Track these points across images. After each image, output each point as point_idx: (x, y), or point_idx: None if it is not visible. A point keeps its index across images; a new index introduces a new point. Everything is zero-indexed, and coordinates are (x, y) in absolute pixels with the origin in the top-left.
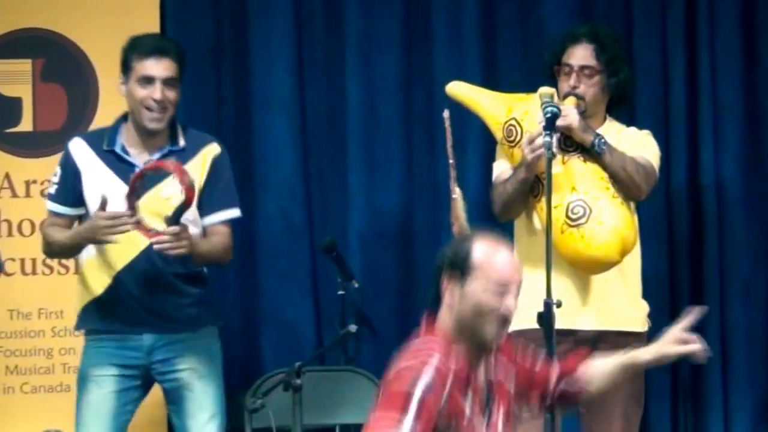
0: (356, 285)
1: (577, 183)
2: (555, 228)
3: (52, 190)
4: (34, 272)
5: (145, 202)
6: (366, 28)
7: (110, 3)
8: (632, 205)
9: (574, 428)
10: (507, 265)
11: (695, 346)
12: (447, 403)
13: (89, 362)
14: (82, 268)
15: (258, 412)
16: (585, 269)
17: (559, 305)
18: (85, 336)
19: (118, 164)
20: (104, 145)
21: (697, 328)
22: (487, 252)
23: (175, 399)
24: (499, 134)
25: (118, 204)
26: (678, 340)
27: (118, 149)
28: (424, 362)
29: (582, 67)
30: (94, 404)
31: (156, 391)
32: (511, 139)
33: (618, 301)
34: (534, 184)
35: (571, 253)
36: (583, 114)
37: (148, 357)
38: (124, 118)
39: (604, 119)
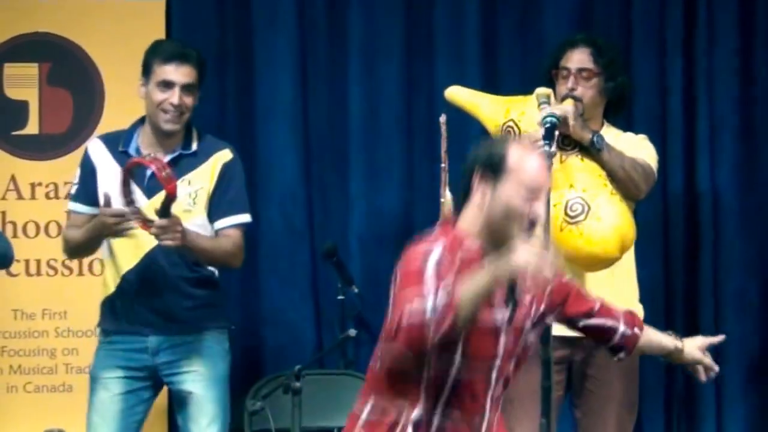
0: (356, 290)
1: (576, 180)
2: (554, 225)
3: (73, 190)
4: (38, 273)
5: (154, 204)
6: (368, 37)
7: (117, 9)
8: (632, 205)
9: None
10: (538, 171)
11: (710, 361)
12: (460, 273)
13: (98, 364)
14: (103, 268)
15: (258, 415)
16: (584, 266)
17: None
18: (98, 336)
19: (136, 168)
20: (120, 147)
21: (691, 334)
22: (521, 157)
23: (179, 401)
24: (497, 136)
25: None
26: (703, 349)
27: (132, 151)
28: (432, 244)
29: (579, 70)
30: (101, 406)
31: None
32: None
33: None
34: None
35: (571, 251)
36: (581, 117)
37: (154, 358)
38: (141, 121)
39: (602, 124)
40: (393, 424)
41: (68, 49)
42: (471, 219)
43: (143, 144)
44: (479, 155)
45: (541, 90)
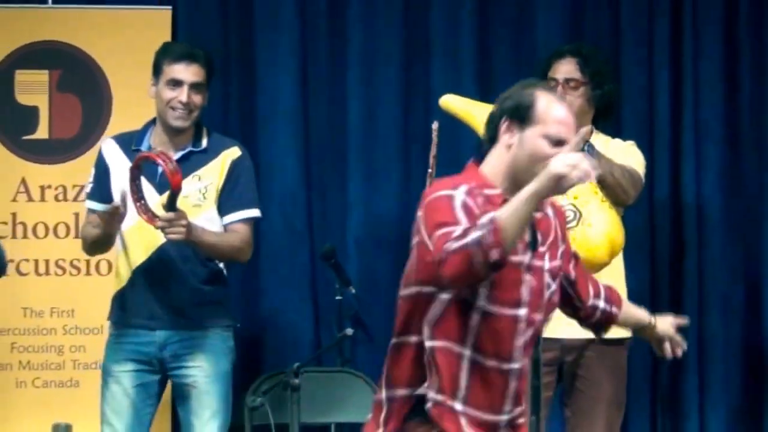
0: (353, 291)
1: None
2: None
3: (89, 189)
4: (47, 273)
5: (164, 200)
6: (367, 45)
7: (124, 18)
8: (620, 211)
9: (558, 431)
10: (565, 120)
11: (679, 348)
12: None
13: (110, 358)
14: (115, 263)
15: (257, 410)
16: None
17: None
18: (109, 329)
19: (144, 164)
20: (132, 146)
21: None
22: (549, 105)
23: (181, 394)
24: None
25: (149, 201)
26: (674, 328)
27: (144, 149)
28: (455, 184)
29: (567, 80)
30: (114, 400)
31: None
32: None
33: None
34: None
35: None
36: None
37: (162, 352)
38: (153, 121)
39: (591, 131)
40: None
41: (77, 56)
42: (495, 163)
43: (155, 143)
44: (507, 101)
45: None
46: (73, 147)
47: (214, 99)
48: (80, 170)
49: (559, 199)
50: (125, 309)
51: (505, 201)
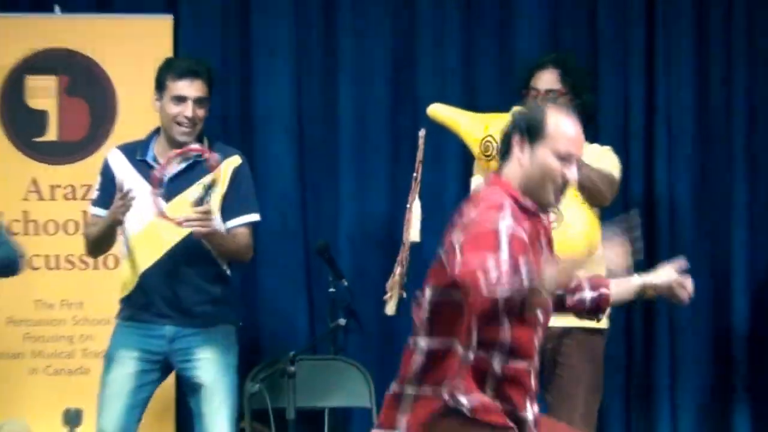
0: (345, 283)
1: None
2: None
3: (94, 196)
4: (57, 267)
5: (172, 207)
6: (358, 56)
7: (129, 27)
8: (597, 211)
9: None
10: (573, 137)
11: (686, 293)
12: (525, 236)
13: (117, 343)
14: (124, 265)
15: (256, 396)
16: None
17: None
18: (117, 321)
19: (149, 173)
20: (137, 156)
21: (648, 329)
22: (558, 123)
23: (191, 385)
24: (476, 150)
25: (149, 208)
26: (677, 282)
27: (149, 159)
28: (501, 203)
29: (548, 90)
30: (114, 383)
31: (165, 384)
32: (488, 153)
33: None
34: None
35: None
36: None
37: (170, 345)
38: (156, 131)
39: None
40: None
41: (84, 63)
42: (513, 175)
43: (159, 153)
44: (520, 119)
45: (518, 108)
46: (81, 148)
47: (214, 104)
48: (88, 170)
49: None
50: (134, 308)
51: (535, 213)
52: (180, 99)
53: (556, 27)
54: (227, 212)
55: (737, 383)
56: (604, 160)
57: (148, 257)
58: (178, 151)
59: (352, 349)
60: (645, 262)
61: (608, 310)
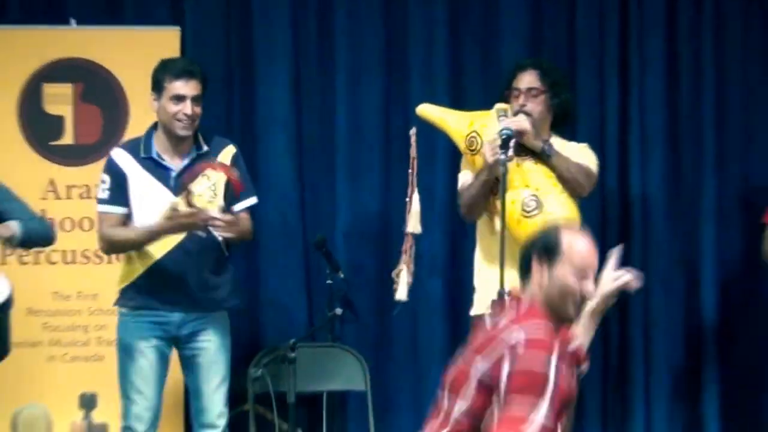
0: (342, 276)
1: (530, 181)
2: (512, 219)
3: (105, 195)
4: (73, 261)
5: (180, 200)
6: (352, 60)
7: (138, 37)
8: (576, 203)
9: None
10: (588, 253)
11: (627, 276)
12: (569, 377)
13: (132, 334)
14: (126, 255)
15: (259, 381)
16: None
17: (509, 294)
18: (122, 311)
19: (156, 169)
20: (142, 153)
21: (623, 322)
22: (572, 241)
23: (192, 365)
24: (462, 145)
25: (160, 202)
26: (612, 279)
27: (154, 156)
28: (550, 347)
29: (529, 89)
30: (143, 371)
31: (174, 380)
32: (473, 148)
33: None
34: (493, 185)
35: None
36: (532, 127)
37: (178, 330)
38: (153, 127)
39: (549, 136)
40: None
41: (98, 71)
42: (535, 296)
43: (160, 149)
44: (536, 241)
45: (500, 105)
46: (95, 151)
47: (219, 108)
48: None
49: (522, 189)
50: (142, 294)
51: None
52: (179, 98)
53: (536, 33)
54: (231, 198)
55: (707, 373)
56: (583, 155)
57: (160, 248)
58: (201, 167)
59: (348, 336)
60: (620, 256)
61: None
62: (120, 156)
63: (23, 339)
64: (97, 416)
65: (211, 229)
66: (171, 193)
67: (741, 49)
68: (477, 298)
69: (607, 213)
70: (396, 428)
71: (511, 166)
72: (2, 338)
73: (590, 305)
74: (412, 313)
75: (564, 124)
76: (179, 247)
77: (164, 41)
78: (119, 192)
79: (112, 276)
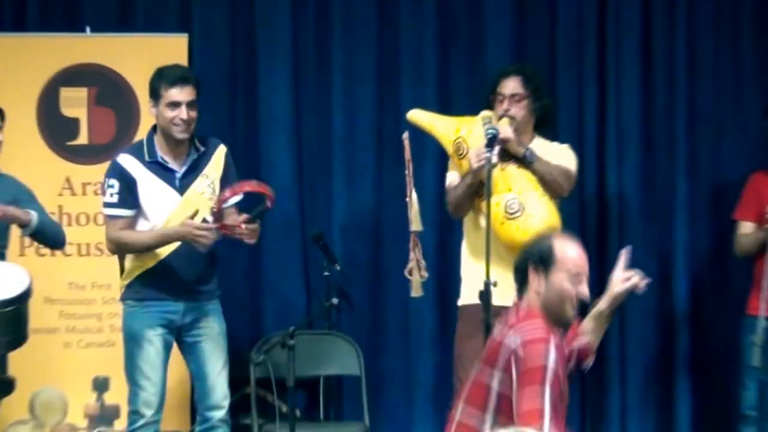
0: (338, 268)
1: (513, 184)
2: (495, 221)
3: (114, 199)
4: (88, 254)
5: (186, 198)
6: (348, 67)
7: (150, 44)
8: (557, 203)
9: None
10: (580, 259)
11: (636, 278)
12: (563, 370)
13: (142, 323)
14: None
15: (260, 365)
16: None
17: (495, 285)
18: (129, 303)
19: (162, 172)
20: (147, 157)
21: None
22: (564, 249)
23: (196, 350)
24: (450, 149)
25: (168, 202)
26: (622, 280)
27: (159, 159)
28: (546, 338)
29: (512, 95)
30: (150, 358)
31: (180, 374)
32: (460, 152)
33: None
34: (478, 187)
35: (510, 241)
36: (515, 131)
37: (182, 319)
38: (152, 131)
39: (533, 137)
40: None
41: (111, 76)
42: (533, 303)
43: (162, 152)
44: (530, 251)
45: (485, 113)
46: (109, 150)
47: (224, 109)
48: None
49: (506, 193)
50: (148, 288)
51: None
52: (175, 104)
53: (520, 41)
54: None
55: (679, 357)
56: (563, 156)
57: (167, 247)
58: (238, 189)
59: (344, 324)
60: (597, 251)
61: None
62: (127, 161)
63: (41, 326)
64: (109, 398)
65: (236, 236)
66: (177, 194)
67: (712, 56)
68: (464, 289)
69: (585, 210)
70: (388, 410)
71: (496, 171)
72: (22, 326)
73: (600, 306)
74: (404, 303)
75: (545, 126)
76: (184, 245)
77: (173, 47)
78: (128, 196)
79: None
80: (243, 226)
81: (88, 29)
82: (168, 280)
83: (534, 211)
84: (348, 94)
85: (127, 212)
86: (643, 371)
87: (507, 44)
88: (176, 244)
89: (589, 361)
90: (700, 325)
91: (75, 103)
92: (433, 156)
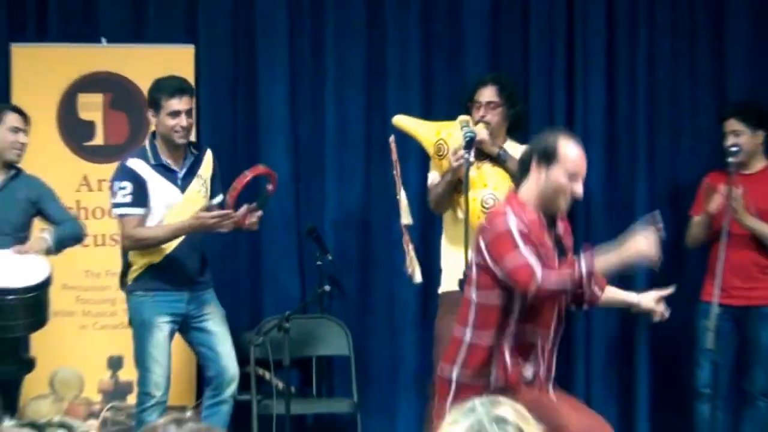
0: (330, 258)
1: (488, 181)
2: (473, 214)
3: (128, 199)
4: (103, 244)
5: (187, 197)
6: (340, 75)
7: (160, 54)
8: None
9: None
10: (580, 159)
11: (663, 309)
12: (531, 233)
13: (152, 311)
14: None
15: (259, 347)
16: None
17: None
18: (138, 293)
19: (166, 173)
20: (152, 161)
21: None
22: (567, 148)
23: (206, 334)
24: (431, 151)
25: (172, 201)
26: (655, 300)
27: (163, 162)
28: (504, 211)
29: (488, 102)
30: (158, 345)
31: (187, 355)
32: (440, 153)
33: None
34: (457, 184)
35: None
36: (490, 135)
37: (187, 307)
38: (152, 137)
39: (506, 140)
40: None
41: (125, 83)
42: (528, 192)
43: (164, 156)
44: (536, 145)
45: (463, 117)
46: (123, 150)
47: (226, 114)
48: None
49: (482, 189)
50: (156, 280)
51: (538, 217)
52: (175, 113)
53: (496, 52)
54: (215, 192)
55: (638, 340)
56: None
57: (172, 242)
58: (251, 174)
59: (335, 309)
60: None
61: None
62: (137, 164)
63: (59, 310)
64: (123, 375)
65: (245, 227)
66: (180, 193)
67: (670, 65)
68: (444, 277)
69: None
70: (375, 387)
71: (473, 169)
72: (44, 309)
73: (636, 304)
74: (389, 290)
75: (518, 129)
76: (186, 241)
77: (181, 57)
78: (140, 196)
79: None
80: (249, 215)
81: (103, 40)
82: (173, 273)
83: None
84: (340, 100)
85: (140, 211)
86: (606, 351)
87: (483, 53)
88: (179, 241)
89: (586, 306)
90: None
91: (91, 107)
92: (416, 157)
